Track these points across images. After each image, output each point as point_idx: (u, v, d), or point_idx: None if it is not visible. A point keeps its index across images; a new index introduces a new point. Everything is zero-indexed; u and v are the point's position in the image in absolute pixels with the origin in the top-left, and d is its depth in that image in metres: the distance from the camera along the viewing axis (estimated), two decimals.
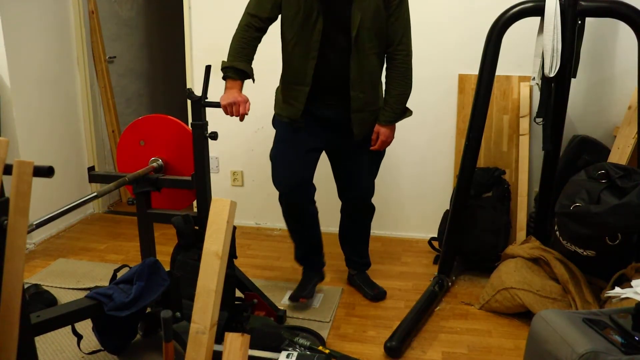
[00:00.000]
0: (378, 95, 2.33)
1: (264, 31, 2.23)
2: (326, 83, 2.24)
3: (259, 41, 2.23)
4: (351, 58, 2.17)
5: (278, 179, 2.38)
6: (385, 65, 2.31)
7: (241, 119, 2.18)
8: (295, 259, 2.66)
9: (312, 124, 2.31)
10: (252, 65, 2.20)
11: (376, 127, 2.32)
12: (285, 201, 2.42)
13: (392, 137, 2.38)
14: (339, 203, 3.35)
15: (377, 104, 2.33)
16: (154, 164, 2.32)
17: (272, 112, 2.41)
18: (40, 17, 3.24)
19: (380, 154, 2.45)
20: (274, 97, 2.40)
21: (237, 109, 2.16)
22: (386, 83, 2.31)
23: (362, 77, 2.22)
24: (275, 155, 2.39)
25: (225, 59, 2.19)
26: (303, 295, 2.49)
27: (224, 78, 2.19)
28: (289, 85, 2.29)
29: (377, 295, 2.63)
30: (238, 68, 2.16)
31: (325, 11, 2.12)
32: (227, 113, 2.17)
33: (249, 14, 2.20)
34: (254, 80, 2.22)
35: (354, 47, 2.16)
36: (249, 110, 2.19)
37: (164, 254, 2.47)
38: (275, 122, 2.40)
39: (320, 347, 2.06)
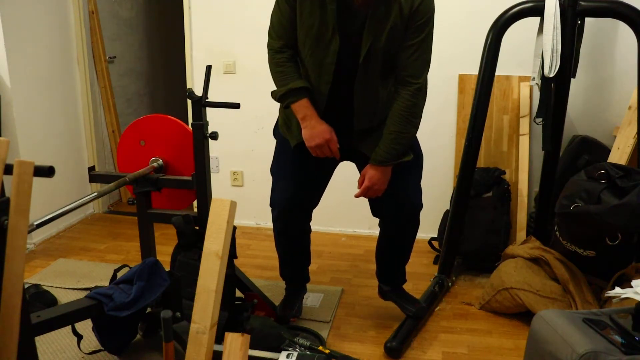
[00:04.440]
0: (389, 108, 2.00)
1: (290, 49, 1.97)
2: (334, 103, 1.97)
3: (295, 59, 1.99)
4: (355, 83, 1.91)
5: (277, 197, 2.19)
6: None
7: (337, 157, 2.02)
8: (281, 275, 2.47)
9: None
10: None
11: (365, 167, 2.00)
12: (282, 222, 2.24)
13: (382, 187, 2.00)
14: (342, 202, 3.33)
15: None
16: (155, 164, 2.32)
17: (273, 113, 2.32)
18: (40, 17, 3.24)
19: (416, 158, 2.08)
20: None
21: (326, 151, 1.97)
22: (388, 117, 1.96)
23: (368, 105, 1.96)
24: (276, 171, 2.21)
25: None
26: (293, 314, 2.38)
27: (286, 107, 2.00)
28: None
29: (418, 310, 2.34)
30: (295, 88, 1.93)
31: (342, 30, 1.85)
32: (315, 155, 2.00)
33: (274, 37, 1.96)
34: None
35: (361, 71, 1.89)
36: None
37: (164, 254, 2.47)
38: (277, 132, 2.20)
39: (320, 347, 2.06)
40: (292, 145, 2.08)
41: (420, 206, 2.21)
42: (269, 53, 2.01)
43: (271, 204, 2.25)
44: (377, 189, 2.01)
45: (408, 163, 2.04)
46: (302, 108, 1.94)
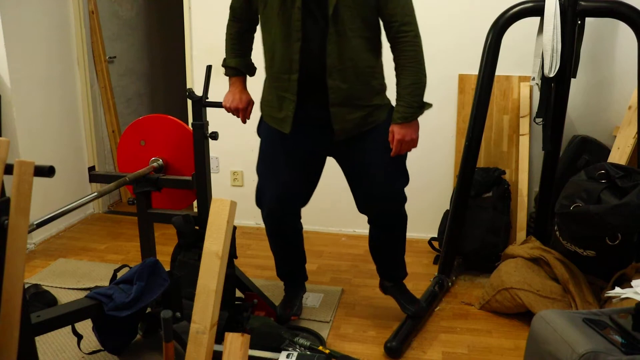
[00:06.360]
0: (369, 89, 2.02)
1: (245, 22, 2.11)
2: (310, 71, 1.96)
3: (247, 34, 2.15)
4: (328, 41, 1.90)
5: (264, 197, 2.21)
6: (387, 56, 2.02)
7: (243, 122, 2.21)
8: (278, 275, 2.49)
9: (304, 128, 2.06)
10: (253, 64, 2.19)
11: (390, 127, 2.03)
12: (271, 221, 2.27)
13: (414, 137, 2.03)
14: (342, 202, 3.33)
15: (369, 100, 2.03)
16: (155, 164, 2.32)
17: None
18: (40, 17, 3.24)
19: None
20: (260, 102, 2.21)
21: (237, 115, 2.19)
22: (396, 74, 1.99)
23: (342, 63, 1.93)
24: (262, 170, 2.22)
25: (225, 58, 2.19)
26: (293, 313, 2.39)
27: (225, 74, 2.20)
28: (277, 77, 2.02)
29: (418, 311, 2.34)
30: (232, 67, 2.16)
31: None
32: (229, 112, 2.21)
33: (230, 7, 2.13)
34: (250, 74, 2.21)
35: (332, 28, 1.89)
36: (249, 115, 2.20)
37: (164, 254, 2.47)
38: (261, 129, 2.21)
39: (320, 347, 2.06)
40: (287, 132, 2.05)
41: (403, 196, 2.21)
42: (229, 17, 2.15)
43: (259, 204, 2.26)
44: (410, 139, 2.03)
45: (387, 151, 2.04)
46: (234, 81, 2.19)
